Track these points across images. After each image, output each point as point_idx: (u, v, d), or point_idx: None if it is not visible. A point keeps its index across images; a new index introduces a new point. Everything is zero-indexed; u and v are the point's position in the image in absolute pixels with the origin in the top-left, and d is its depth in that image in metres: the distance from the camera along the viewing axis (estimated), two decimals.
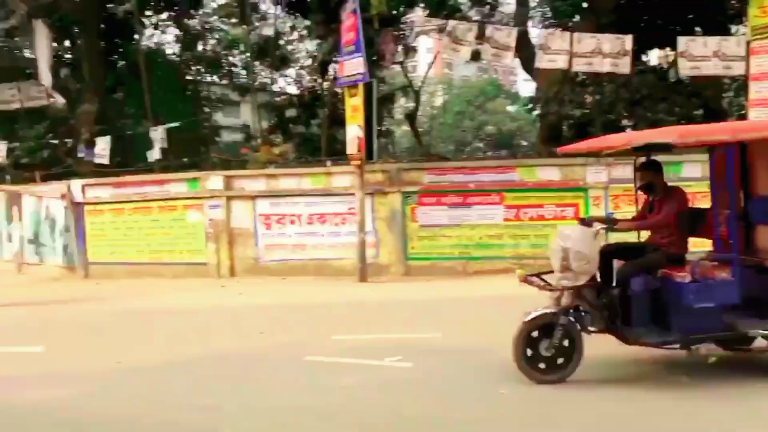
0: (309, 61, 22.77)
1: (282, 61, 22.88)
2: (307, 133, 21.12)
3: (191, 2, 20.62)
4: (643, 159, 5.98)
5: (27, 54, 17.53)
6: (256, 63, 23.24)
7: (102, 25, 18.26)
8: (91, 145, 16.49)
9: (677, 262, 5.57)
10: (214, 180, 13.68)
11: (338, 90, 15.82)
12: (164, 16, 22.93)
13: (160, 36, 24.42)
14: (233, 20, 23.75)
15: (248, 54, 22.76)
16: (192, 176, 14.27)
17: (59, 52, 19.49)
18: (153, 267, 14.16)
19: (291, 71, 24.65)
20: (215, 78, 26.92)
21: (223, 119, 28.38)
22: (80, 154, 16.94)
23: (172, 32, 24.69)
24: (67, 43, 20.61)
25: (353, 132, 12.18)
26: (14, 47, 16.23)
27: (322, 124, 19.33)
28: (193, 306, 10.76)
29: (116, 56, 20.51)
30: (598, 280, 5.66)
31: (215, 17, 25.03)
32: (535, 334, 5.46)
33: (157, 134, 15.57)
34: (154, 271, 14.10)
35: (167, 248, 14.11)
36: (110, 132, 16.76)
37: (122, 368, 6.89)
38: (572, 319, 5.47)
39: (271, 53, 21.35)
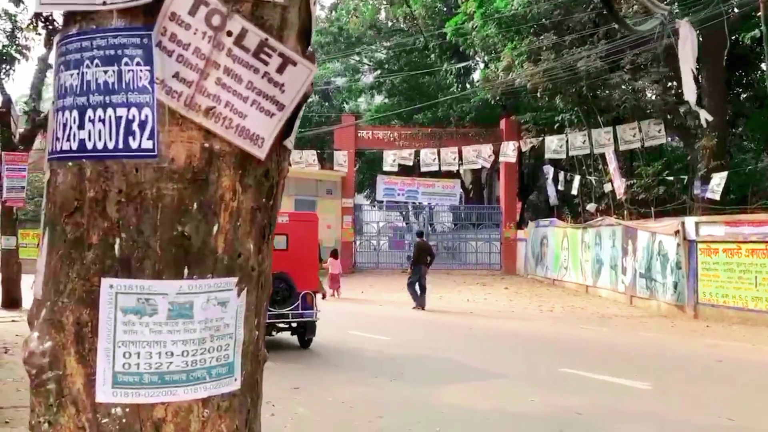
0: None
1: None
2: None
3: None
4: None
5: (648, 94, 18.23)
6: None
7: (726, 58, 17.53)
8: (707, 181, 15.93)
9: None
10: None
11: None
12: None
13: None
14: None
15: None
16: None
17: (678, 89, 19.57)
18: None
19: None
20: None
21: None
22: (696, 191, 16.57)
23: None
24: None
25: None
26: (638, 88, 17.05)
27: None
28: None
29: (739, 88, 19.43)
30: None
31: None
32: None
33: None
34: None
35: None
36: (729, 167, 15.91)
37: (737, 427, 6.21)
38: None
39: None
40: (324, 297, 17.08)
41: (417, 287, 15.94)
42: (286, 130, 1.66)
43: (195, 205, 1.53)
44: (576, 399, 7.21)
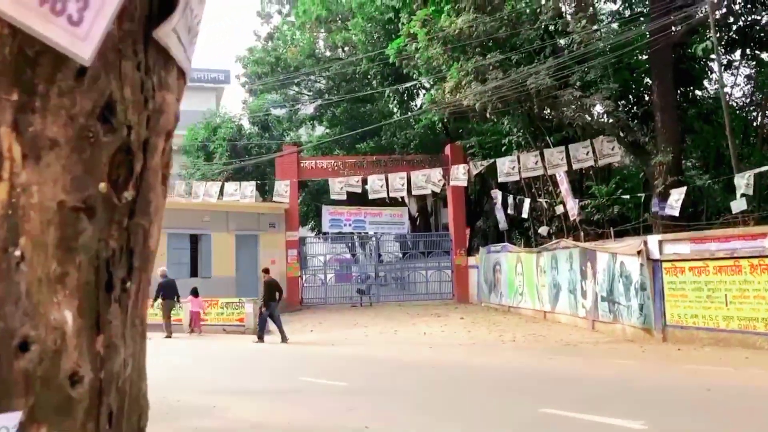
0: None
1: None
2: None
3: None
4: None
5: (597, 109, 17.81)
6: None
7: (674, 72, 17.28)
8: (665, 197, 15.46)
9: None
10: None
11: None
12: (737, 54, 20.67)
13: (730, 78, 22.15)
14: None
15: None
16: None
17: (628, 107, 19.32)
18: (744, 336, 12.06)
19: None
20: None
21: None
22: (654, 208, 16.08)
23: (744, 72, 22.12)
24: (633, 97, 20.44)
25: None
26: (589, 105, 16.58)
27: None
28: None
29: (686, 104, 19.27)
30: None
31: None
32: None
33: (743, 181, 13.51)
34: (745, 341, 12.00)
35: (763, 315, 11.82)
36: (686, 183, 15.50)
37: None
38: None
39: None
40: (169, 336, 17.66)
41: (267, 321, 16.19)
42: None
43: None
44: None
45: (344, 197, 23.31)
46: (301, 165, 27.08)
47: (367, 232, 31.17)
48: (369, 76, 30.67)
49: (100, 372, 0.62)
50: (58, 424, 0.58)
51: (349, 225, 27.64)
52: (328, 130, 35.81)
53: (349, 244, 43.61)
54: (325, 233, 31.38)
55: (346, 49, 33.65)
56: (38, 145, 0.56)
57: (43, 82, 0.56)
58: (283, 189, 23.36)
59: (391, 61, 21.95)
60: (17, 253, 0.54)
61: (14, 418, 0.55)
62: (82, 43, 0.56)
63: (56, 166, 0.57)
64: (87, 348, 0.60)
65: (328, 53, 35.79)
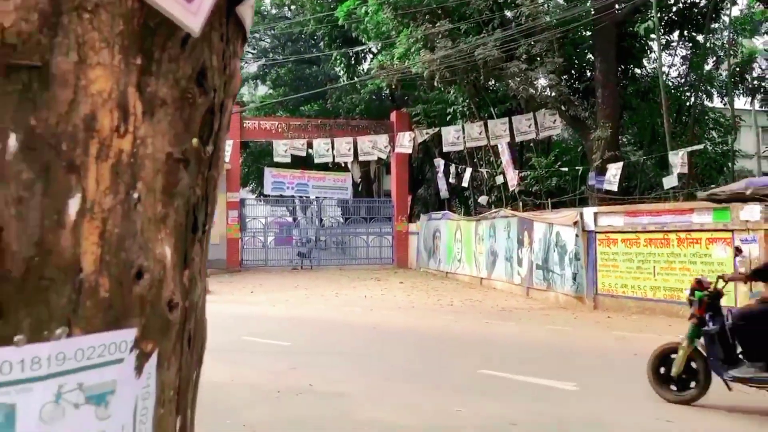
0: None
1: None
2: None
3: (709, 17, 18.63)
4: None
5: (541, 83, 18.22)
6: None
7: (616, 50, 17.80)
8: (602, 172, 16.03)
9: None
10: (751, 209, 11.56)
11: None
12: (675, 35, 21.40)
13: (668, 58, 22.93)
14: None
15: None
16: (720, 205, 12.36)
17: (571, 81, 19.79)
18: (669, 306, 12.76)
19: None
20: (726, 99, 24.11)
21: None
22: (591, 182, 16.67)
23: (681, 53, 22.93)
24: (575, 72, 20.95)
25: None
26: (534, 78, 16.93)
27: None
28: None
29: (626, 81, 19.89)
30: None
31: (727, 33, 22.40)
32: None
33: (677, 159, 14.14)
34: (669, 309, 12.70)
35: (686, 285, 12.48)
36: (622, 158, 16.10)
37: (680, 430, 5.79)
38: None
39: None
40: None
41: None
42: None
43: (12, 141, 0.55)
44: (504, 406, 6.58)
45: (288, 160, 23.18)
46: (244, 125, 26.68)
47: (309, 196, 31.10)
48: (316, 38, 30.32)
49: (185, 301, 0.73)
50: (160, 342, 0.68)
51: (292, 188, 27.50)
52: (271, 91, 35.32)
53: (291, 208, 43.47)
54: (266, 195, 31.14)
55: (293, 8, 33.10)
56: (153, 103, 0.65)
57: (158, 49, 0.65)
58: (225, 149, 23.06)
59: (339, 23, 21.77)
60: (135, 195, 0.64)
61: (131, 333, 0.65)
62: (193, 16, 0.65)
63: (164, 123, 0.66)
64: (179, 280, 0.71)
65: (274, 11, 35.11)
